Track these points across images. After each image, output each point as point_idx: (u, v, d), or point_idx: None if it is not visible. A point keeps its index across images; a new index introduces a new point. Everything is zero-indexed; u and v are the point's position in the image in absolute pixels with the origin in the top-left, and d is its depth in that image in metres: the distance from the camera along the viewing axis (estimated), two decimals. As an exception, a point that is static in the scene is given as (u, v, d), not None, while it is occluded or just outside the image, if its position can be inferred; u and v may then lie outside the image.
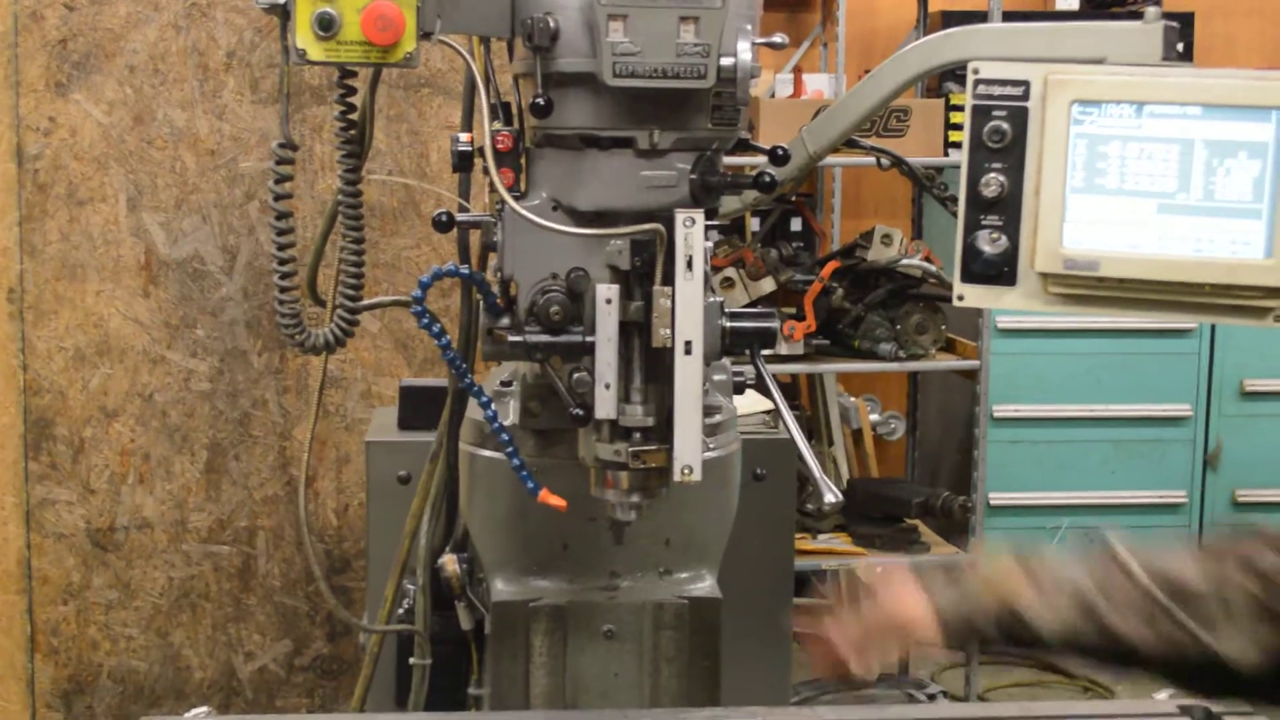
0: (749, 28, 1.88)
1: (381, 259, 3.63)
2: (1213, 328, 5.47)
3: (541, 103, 1.89)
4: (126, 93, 3.54)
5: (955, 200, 2.09)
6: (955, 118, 4.94)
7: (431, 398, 2.66)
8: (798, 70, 5.51)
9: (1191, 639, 1.87)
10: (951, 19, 5.82)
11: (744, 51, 1.84)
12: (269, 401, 3.66)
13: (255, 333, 3.64)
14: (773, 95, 5.32)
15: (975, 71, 1.95)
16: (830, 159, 3.18)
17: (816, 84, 5.56)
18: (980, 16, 5.21)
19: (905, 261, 4.75)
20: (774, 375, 2.11)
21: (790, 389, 5.85)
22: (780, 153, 2.08)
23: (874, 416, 6.08)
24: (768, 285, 4.65)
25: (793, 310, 4.70)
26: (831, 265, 4.77)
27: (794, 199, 5.65)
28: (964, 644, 2.09)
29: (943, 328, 4.83)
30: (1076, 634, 1.95)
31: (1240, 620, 1.86)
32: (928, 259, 4.78)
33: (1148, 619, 1.89)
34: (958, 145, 4.84)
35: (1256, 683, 1.91)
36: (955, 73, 3.73)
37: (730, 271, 4.55)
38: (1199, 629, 1.86)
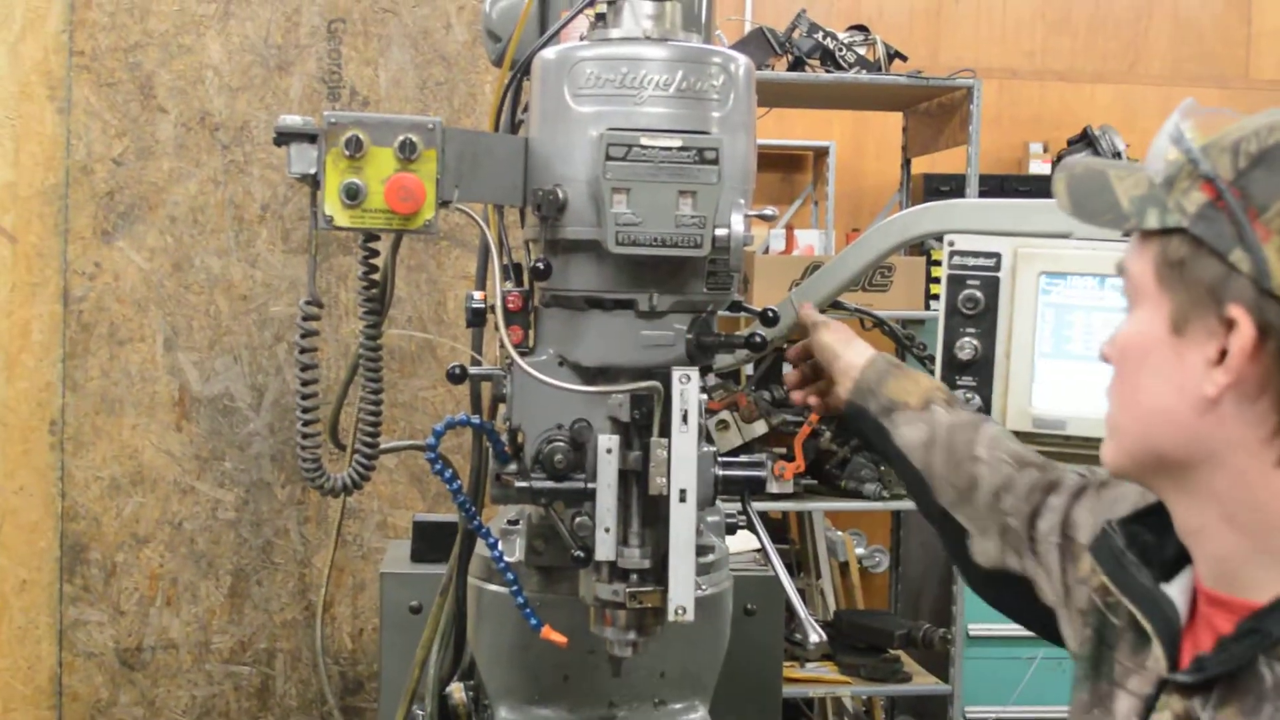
0: (742, 201, 1.91)
1: (400, 399, 3.65)
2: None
3: (541, 267, 1.92)
4: (167, 241, 3.58)
5: (934, 359, 2.12)
6: (936, 272, 4.98)
7: (443, 532, 2.66)
8: (790, 227, 5.58)
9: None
10: (932, 181, 5.90)
11: (737, 223, 1.87)
12: (290, 531, 3.66)
13: (280, 466, 3.65)
14: (766, 250, 5.37)
15: (951, 244, 1.99)
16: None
17: (807, 239, 5.62)
18: (959, 179, 5.28)
19: (890, 407, 4.76)
20: (766, 511, 2.12)
21: (781, 524, 5.83)
22: (770, 314, 2.11)
23: (859, 550, 6.06)
24: (760, 428, 4.64)
25: (783, 450, 4.69)
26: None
27: (786, 346, 5.68)
28: (855, 415, 2.08)
29: (924, 470, 4.82)
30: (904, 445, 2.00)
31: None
32: (911, 405, 4.79)
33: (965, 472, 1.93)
34: (939, 298, 4.88)
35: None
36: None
37: (725, 415, 4.56)
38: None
